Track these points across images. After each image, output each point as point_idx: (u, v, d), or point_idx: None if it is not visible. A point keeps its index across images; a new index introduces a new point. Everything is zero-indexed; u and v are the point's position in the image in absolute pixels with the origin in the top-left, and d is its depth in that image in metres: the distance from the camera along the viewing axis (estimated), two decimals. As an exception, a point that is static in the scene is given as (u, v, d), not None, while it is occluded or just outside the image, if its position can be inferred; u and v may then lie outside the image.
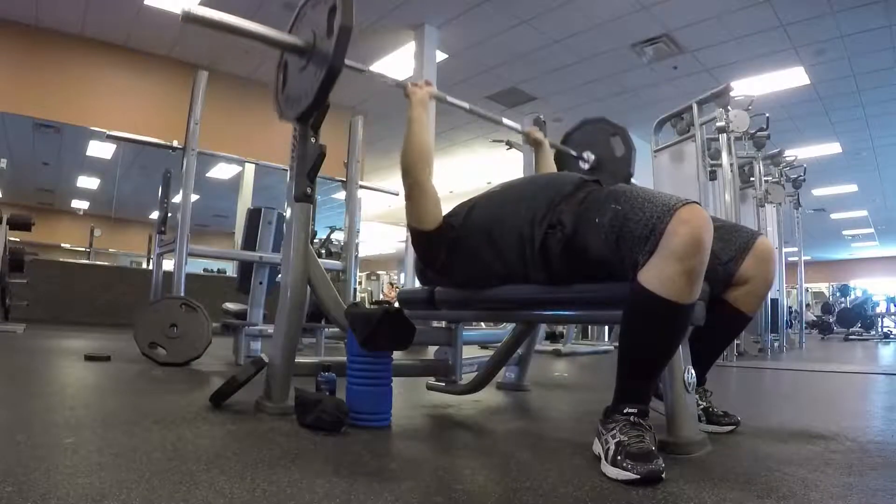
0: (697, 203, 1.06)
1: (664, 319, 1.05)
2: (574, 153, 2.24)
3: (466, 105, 1.89)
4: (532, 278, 1.31)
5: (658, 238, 1.02)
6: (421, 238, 1.51)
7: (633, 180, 2.54)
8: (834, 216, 12.99)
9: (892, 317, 10.64)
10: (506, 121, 2.09)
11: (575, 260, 1.21)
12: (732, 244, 1.34)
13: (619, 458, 0.96)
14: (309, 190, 1.53)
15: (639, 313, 1.08)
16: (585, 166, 2.23)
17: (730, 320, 1.39)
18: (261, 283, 2.97)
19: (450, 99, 1.82)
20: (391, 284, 14.82)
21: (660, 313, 1.04)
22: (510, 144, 2.58)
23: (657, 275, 1.02)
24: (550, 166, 2.09)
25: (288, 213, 1.57)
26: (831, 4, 5.07)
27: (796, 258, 7.15)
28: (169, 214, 3.41)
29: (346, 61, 1.33)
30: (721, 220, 1.44)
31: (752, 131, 4.93)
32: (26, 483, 0.80)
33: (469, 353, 1.95)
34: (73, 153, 8.87)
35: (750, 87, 6.05)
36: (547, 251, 1.25)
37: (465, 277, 1.48)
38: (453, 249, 1.45)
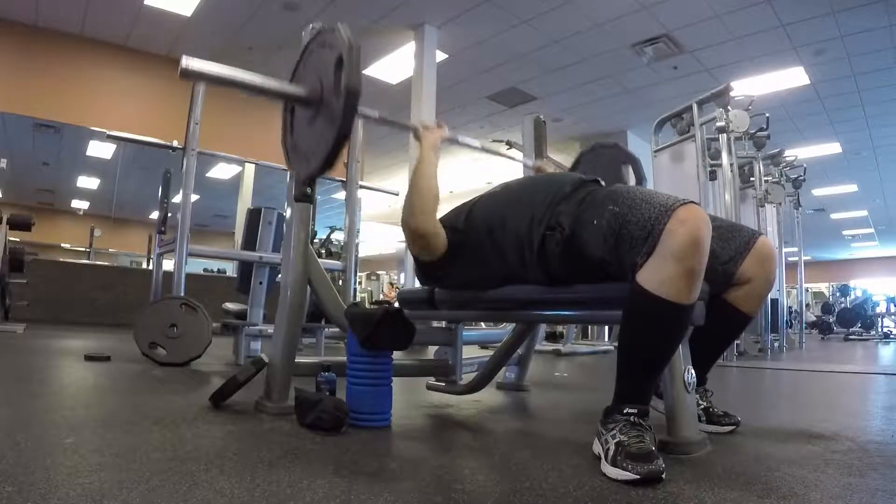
0: (696, 203, 1.06)
1: (664, 320, 1.05)
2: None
3: (478, 144, 1.89)
4: (531, 279, 1.31)
5: (656, 238, 1.02)
6: (425, 264, 1.48)
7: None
8: (834, 216, 12.99)
9: (892, 317, 10.63)
10: (515, 155, 2.09)
11: (574, 261, 1.21)
12: (732, 244, 1.34)
13: (619, 458, 0.96)
14: (309, 190, 1.53)
15: (638, 314, 1.07)
16: None
17: (730, 320, 1.39)
18: (261, 283, 2.97)
19: (461, 139, 1.77)
20: (391, 284, 14.80)
21: (659, 314, 1.04)
22: (510, 144, 2.59)
23: (656, 275, 1.02)
24: None
25: (288, 213, 1.57)
26: (831, 4, 5.07)
27: (796, 258, 7.14)
28: (169, 214, 3.41)
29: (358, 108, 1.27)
30: (721, 219, 1.43)
31: (752, 131, 4.92)
32: (26, 483, 0.80)
33: (469, 353, 1.95)
34: (73, 153, 8.88)
35: (750, 87, 6.05)
36: (545, 252, 1.24)
37: (467, 279, 1.47)
38: (455, 254, 1.42)
